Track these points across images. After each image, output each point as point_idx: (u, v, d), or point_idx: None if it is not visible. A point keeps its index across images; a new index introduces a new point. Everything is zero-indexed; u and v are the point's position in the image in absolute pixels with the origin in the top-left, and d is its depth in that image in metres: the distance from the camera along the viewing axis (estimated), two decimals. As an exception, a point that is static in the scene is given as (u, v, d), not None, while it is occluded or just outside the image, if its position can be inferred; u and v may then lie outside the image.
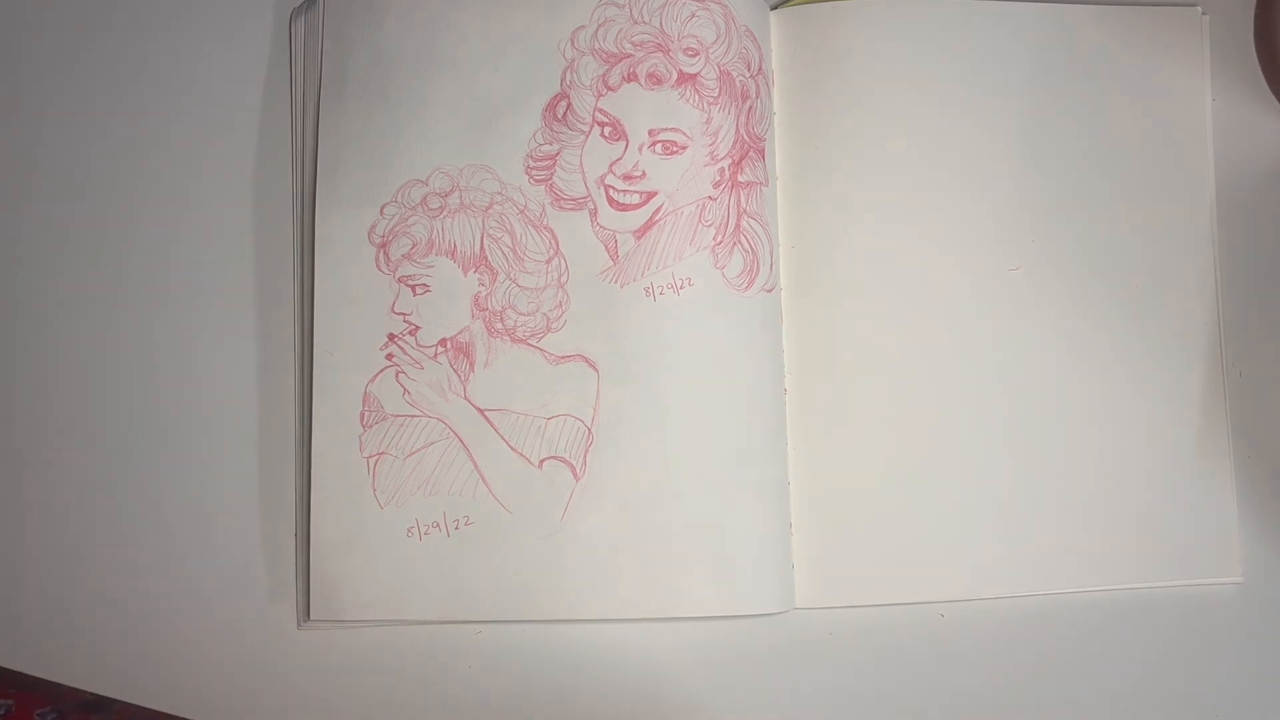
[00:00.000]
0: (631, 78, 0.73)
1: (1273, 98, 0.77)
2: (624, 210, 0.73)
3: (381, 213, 0.72)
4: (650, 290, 0.72)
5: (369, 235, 0.72)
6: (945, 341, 0.74)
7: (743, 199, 0.73)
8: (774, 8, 0.76)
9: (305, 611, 0.70)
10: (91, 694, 0.71)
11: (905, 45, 0.76)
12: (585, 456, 0.71)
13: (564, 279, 0.72)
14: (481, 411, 0.72)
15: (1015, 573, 0.73)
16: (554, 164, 0.73)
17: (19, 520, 0.72)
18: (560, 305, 0.72)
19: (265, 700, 0.71)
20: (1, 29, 0.76)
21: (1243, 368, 0.76)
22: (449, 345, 0.72)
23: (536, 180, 0.73)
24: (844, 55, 0.75)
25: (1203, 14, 0.78)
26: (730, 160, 0.73)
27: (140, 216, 0.74)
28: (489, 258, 0.72)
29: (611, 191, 0.73)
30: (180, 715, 0.69)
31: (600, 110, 0.73)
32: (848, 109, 0.75)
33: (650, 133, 0.73)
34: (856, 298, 0.74)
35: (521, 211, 0.73)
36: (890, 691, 0.73)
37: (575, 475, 0.71)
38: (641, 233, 0.72)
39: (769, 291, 0.73)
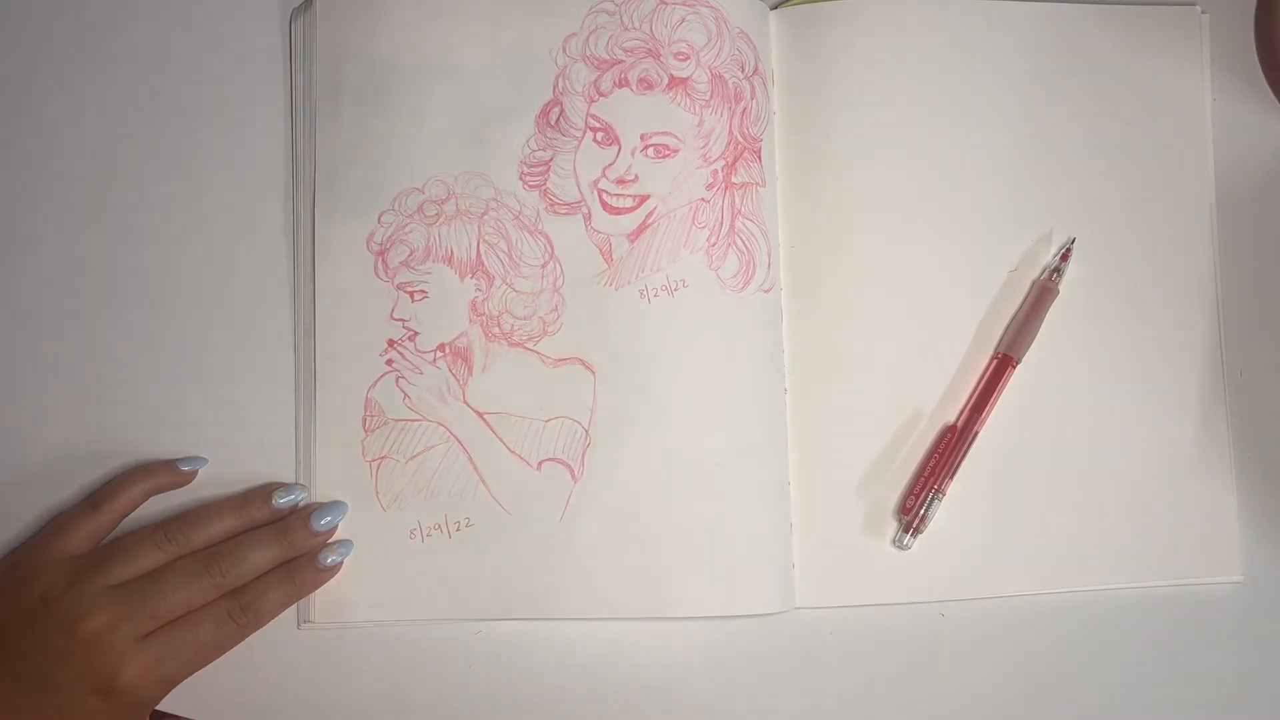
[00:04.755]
0: (623, 83, 0.74)
1: (1273, 98, 0.76)
2: (617, 214, 0.73)
3: (379, 221, 0.73)
4: (644, 293, 0.72)
5: (367, 243, 0.73)
6: (944, 341, 0.75)
7: (737, 200, 0.73)
8: (774, 8, 0.77)
9: (306, 611, 0.71)
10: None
11: (905, 45, 0.76)
12: (583, 458, 0.72)
13: (559, 283, 0.73)
14: (480, 415, 0.72)
15: (1015, 573, 0.73)
16: (547, 170, 0.74)
17: (23, 519, 0.73)
18: (556, 309, 0.73)
19: (265, 700, 0.71)
20: None
21: (1243, 368, 0.76)
22: (447, 350, 0.73)
23: (531, 186, 0.74)
24: (844, 55, 0.76)
25: (1202, 14, 0.78)
26: (724, 162, 0.73)
27: (139, 226, 0.75)
28: (485, 263, 0.73)
29: (605, 195, 0.73)
30: (180, 715, 0.70)
31: (592, 116, 0.74)
32: (848, 108, 0.75)
33: (642, 137, 0.73)
34: (856, 298, 0.75)
35: (516, 217, 0.73)
36: (890, 691, 0.73)
37: (573, 476, 0.72)
38: (635, 236, 0.73)
39: (766, 292, 0.73)
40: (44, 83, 0.75)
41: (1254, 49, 0.77)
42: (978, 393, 0.74)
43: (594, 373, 0.72)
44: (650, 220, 0.73)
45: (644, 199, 0.73)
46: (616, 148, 0.73)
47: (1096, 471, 0.74)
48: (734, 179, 0.73)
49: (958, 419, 0.74)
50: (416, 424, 0.72)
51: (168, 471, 0.72)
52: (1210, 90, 0.77)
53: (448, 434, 0.72)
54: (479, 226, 0.73)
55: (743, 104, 0.74)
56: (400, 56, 0.74)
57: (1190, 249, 0.76)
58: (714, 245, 0.73)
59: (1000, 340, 0.74)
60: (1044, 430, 0.74)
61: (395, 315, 0.73)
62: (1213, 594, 0.74)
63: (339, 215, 0.74)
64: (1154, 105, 0.77)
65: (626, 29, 0.74)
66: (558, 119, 0.74)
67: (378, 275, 0.73)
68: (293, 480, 0.73)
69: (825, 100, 0.76)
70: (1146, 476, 0.74)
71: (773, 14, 0.76)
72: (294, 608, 0.71)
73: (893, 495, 0.74)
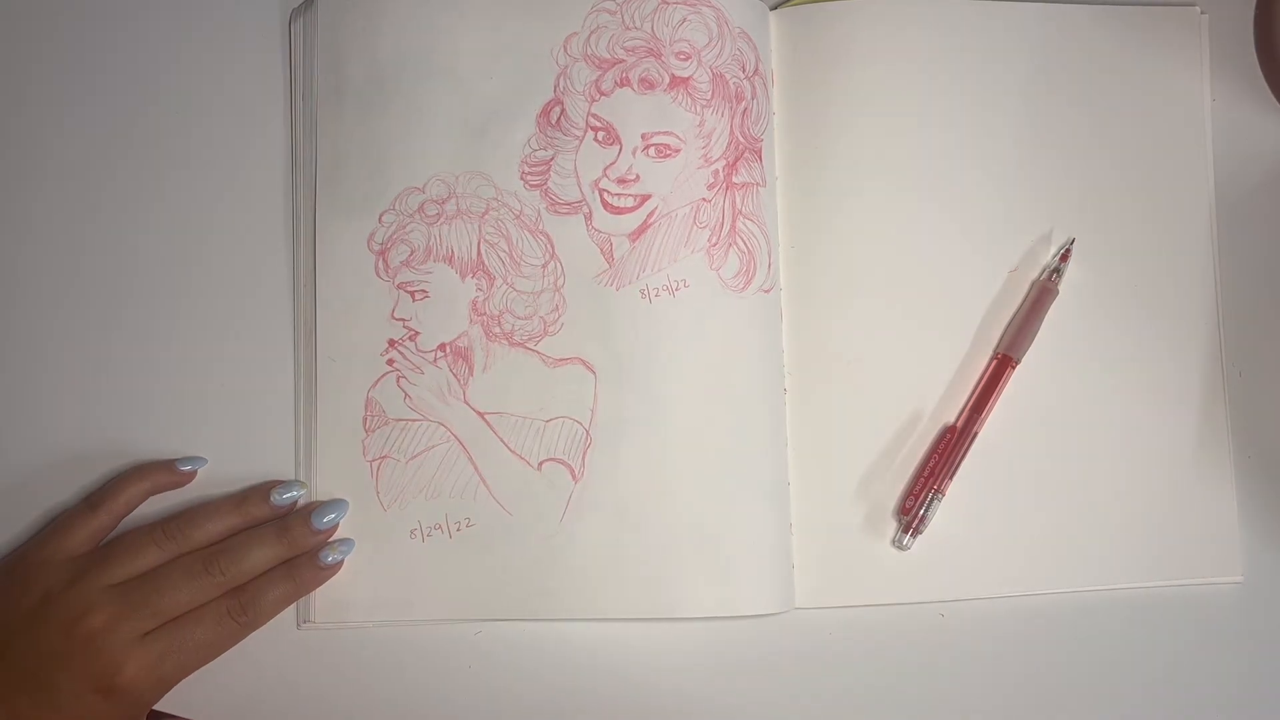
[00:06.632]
0: (624, 82, 0.74)
1: (1272, 98, 0.76)
2: (618, 214, 0.73)
3: (380, 220, 0.73)
4: (645, 293, 0.72)
5: (368, 243, 0.73)
6: (944, 342, 0.75)
7: (738, 200, 0.73)
8: (774, 8, 0.77)
9: (306, 611, 0.71)
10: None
11: (905, 45, 0.76)
12: (584, 458, 0.72)
13: (560, 283, 0.73)
14: (481, 415, 0.72)
15: (1015, 573, 0.73)
16: (548, 169, 0.74)
17: (23, 519, 0.73)
18: (557, 309, 0.73)
19: (265, 700, 0.71)
20: None
21: (1243, 368, 0.76)
22: (448, 350, 0.73)
23: (531, 185, 0.73)
24: (844, 55, 0.76)
25: (1202, 14, 0.78)
26: (725, 162, 0.73)
27: (139, 226, 0.75)
28: (486, 263, 0.73)
29: (606, 195, 0.73)
30: (180, 715, 0.70)
31: (593, 115, 0.74)
32: (848, 109, 0.75)
33: (643, 136, 0.73)
34: (856, 298, 0.74)
35: (517, 217, 0.73)
36: (890, 691, 0.73)
37: (574, 477, 0.72)
38: (636, 235, 0.73)
39: (767, 292, 0.73)
40: (43, 82, 0.75)
41: (1254, 49, 0.77)
42: (977, 393, 0.74)
43: (595, 373, 0.72)
44: (651, 220, 0.73)
45: (645, 199, 0.73)
46: (618, 147, 0.73)
47: (1096, 471, 0.74)
48: (735, 179, 0.73)
49: (957, 419, 0.74)
50: (417, 424, 0.72)
51: (167, 472, 0.71)
52: (1210, 90, 0.77)
53: (448, 434, 0.72)
54: (480, 226, 0.73)
55: (743, 104, 0.74)
56: (401, 56, 0.74)
57: (1190, 249, 0.76)
58: (715, 245, 0.73)
59: (1000, 340, 0.74)
60: (1043, 430, 0.74)
61: (396, 315, 0.73)
62: (1213, 594, 0.74)
63: (340, 215, 0.74)
64: (1154, 105, 0.77)
65: (628, 28, 0.74)
66: (559, 118, 0.74)
67: (378, 275, 0.73)
68: (293, 480, 0.73)
69: (825, 100, 0.76)
70: (1146, 476, 0.74)
71: (773, 14, 0.76)
72: (294, 608, 0.71)
73: (892, 495, 0.74)
